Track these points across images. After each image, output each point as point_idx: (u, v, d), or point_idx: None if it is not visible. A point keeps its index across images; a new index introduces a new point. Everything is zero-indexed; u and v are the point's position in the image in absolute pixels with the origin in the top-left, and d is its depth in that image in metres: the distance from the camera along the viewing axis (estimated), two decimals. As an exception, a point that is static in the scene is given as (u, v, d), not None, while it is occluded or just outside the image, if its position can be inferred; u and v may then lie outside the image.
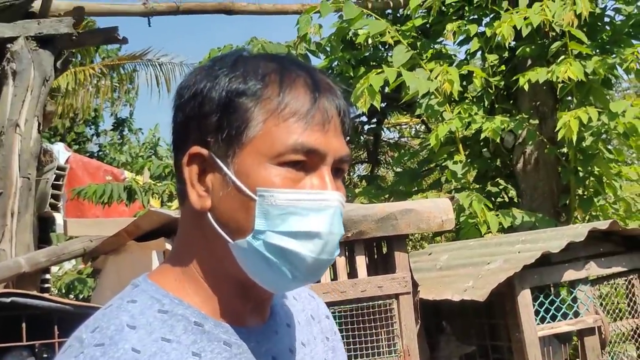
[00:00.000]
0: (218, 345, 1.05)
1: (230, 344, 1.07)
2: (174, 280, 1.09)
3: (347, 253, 4.29)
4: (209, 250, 1.09)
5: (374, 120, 8.99)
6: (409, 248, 8.34)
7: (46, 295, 3.74)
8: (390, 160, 10.16)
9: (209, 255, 1.09)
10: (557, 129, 5.84)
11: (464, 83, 7.17)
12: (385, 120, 9.84)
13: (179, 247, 1.14)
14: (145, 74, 16.40)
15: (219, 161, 1.06)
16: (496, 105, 6.93)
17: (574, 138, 5.68)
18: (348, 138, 1.15)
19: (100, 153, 21.47)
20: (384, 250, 4.46)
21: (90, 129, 22.67)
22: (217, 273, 1.09)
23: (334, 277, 4.22)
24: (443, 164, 6.88)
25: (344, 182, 1.16)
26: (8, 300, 3.30)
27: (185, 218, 1.14)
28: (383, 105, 8.95)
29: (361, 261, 4.26)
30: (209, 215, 1.07)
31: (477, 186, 6.86)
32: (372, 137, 9.28)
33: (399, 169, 9.59)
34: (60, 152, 10.54)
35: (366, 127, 9.06)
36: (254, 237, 1.03)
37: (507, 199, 7.33)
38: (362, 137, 9.17)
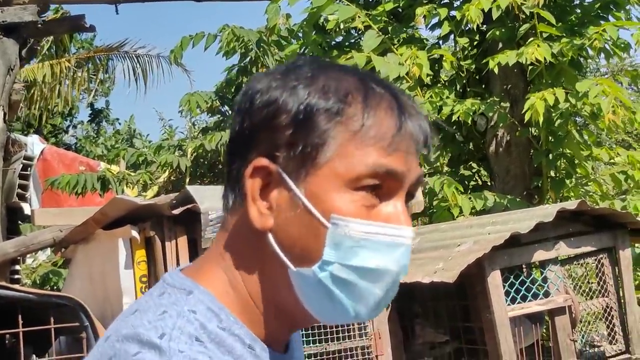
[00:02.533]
0: None
1: None
2: (225, 294, 1.01)
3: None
4: (264, 274, 1.01)
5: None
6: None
7: (15, 286, 3.72)
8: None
9: (262, 278, 1.01)
10: (523, 110, 5.85)
11: (436, 67, 7.18)
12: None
13: (231, 258, 1.04)
14: (122, 65, 16.30)
15: (288, 179, 0.97)
16: (468, 89, 6.95)
17: (541, 119, 5.71)
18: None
19: (77, 145, 21.32)
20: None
21: (66, 120, 22.49)
22: (269, 298, 1.02)
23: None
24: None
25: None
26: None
27: (238, 231, 1.04)
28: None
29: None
30: (270, 236, 0.99)
31: (450, 170, 6.88)
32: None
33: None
34: (35, 144, 10.43)
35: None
36: (320, 267, 0.95)
37: (480, 183, 7.36)
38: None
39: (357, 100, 0.98)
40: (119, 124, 22.77)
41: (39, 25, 5.19)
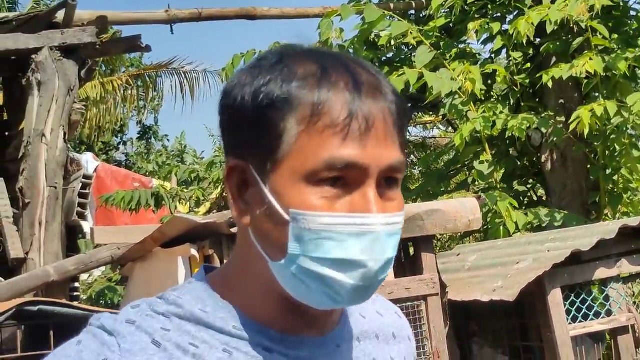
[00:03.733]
0: (256, 349, 1.01)
1: (272, 351, 1.02)
2: (224, 283, 1.07)
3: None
4: (255, 266, 1.04)
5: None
6: (437, 249, 8.28)
7: (74, 303, 3.76)
8: (416, 161, 10.11)
9: (256, 269, 1.04)
10: (570, 121, 5.77)
11: (490, 82, 7.13)
12: (410, 120, 9.79)
13: (235, 254, 1.11)
14: (170, 82, 16.55)
15: (256, 176, 1.00)
16: (522, 104, 6.87)
17: (586, 131, 5.62)
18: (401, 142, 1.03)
19: (127, 162, 21.65)
20: (411, 252, 4.43)
21: (117, 137, 22.87)
22: (264, 287, 1.04)
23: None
24: (470, 165, 6.83)
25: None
26: (35, 308, 3.32)
27: (238, 230, 1.11)
28: (409, 105, 8.94)
29: (388, 263, 4.22)
30: (250, 231, 1.03)
31: (504, 186, 6.80)
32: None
33: (426, 170, 9.53)
34: (89, 161, 10.64)
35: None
36: (288, 261, 0.97)
37: (535, 198, 7.26)
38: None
39: (309, 88, 0.97)
40: (168, 140, 23.06)
41: (98, 47, 5.29)
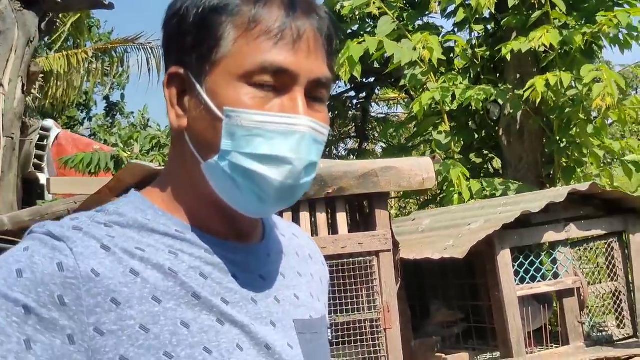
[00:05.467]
0: (198, 251, 1.06)
1: (212, 253, 1.07)
2: (159, 199, 1.10)
3: (328, 210, 4.31)
4: (188, 171, 1.09)
5: (362, 94, 9.02)
6: (392, 213, 8.38)
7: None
8: (378, 135, 10.17)
9: (188, 176, 1.09)
10: (524, 89, 5.87)
11: (451, 56, 7.20)
12: (374, 95, 9.86)
13: (166, 169, 1.15)
14: (136, 57, 16.40)
15: (193, 80, 1.05)
16: (482, 77, 6.96)
17: (538, 99, 5.73)
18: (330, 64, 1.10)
19: (92, 137, 21.39)
20: (366, 210, 4.49)
21: (82, 112, 22.58)
22: (197, 193, 1.09)
23: (315, 233, 4.25)
24: (430, 138, 6.91)
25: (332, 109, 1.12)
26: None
27: (171, 143, 1.15)
28: (372, 79, 9.01)
29: (342, 218, 4.28)
30: (186, 135, 1.07)
31: (461, 157, 6.90)
32: (360, 112, 9.30)
33: (386, 144, 9.61)
34: (51, 128, 10.52)
35: (354, 101, 9.09)
36: (220, 157, 1.03)
37: (492, 171, 7.37)
38: (350, 112, 9.19)
39: None
40: (134, 117, 22.84)
41: (59, 0, 5.24)
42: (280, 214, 4.21)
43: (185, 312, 1.01)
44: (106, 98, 21.72)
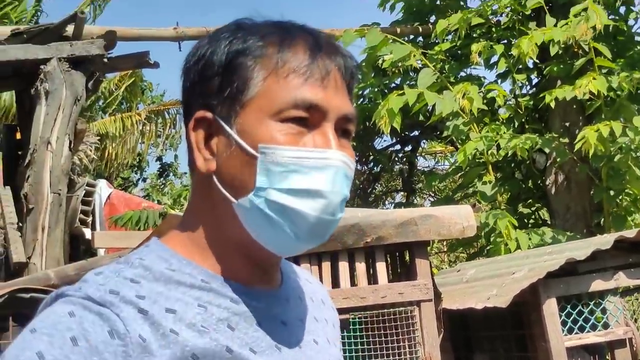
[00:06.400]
0: (224, 301, 1.06)
1: (238, 302, 1.07)
2: (181, 246, 1.10)
3: (367, 259, 4.28)
4: (216, 215, 1.09)
5: (408, 148, 9.02)
6: (443, 267, 8.26)
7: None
8: (422, 186, 10.13)
9: (215, 220, 1.09)
10: (576, 141, 5.79)
11: (495, 106, 7.19)
12: (420, 148, 9.85)
13: (187, 215, 1.15)
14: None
15: (222, 122, 1.07)
16: (526, 127, 6.91)
17: (591, 151, 5.64)
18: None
19: (145, 197, 21.69)
20: (407, 259, 4.45)
21: (136, 174, 22.98)
22: (223, 237, 1.10)
23: (354, 283, 4.22)
24: (475, 190, 6.86)
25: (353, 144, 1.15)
26: (27, 295, 3.36)
27: (194, 187, 1.15)
28: (417, 132, 9.02)
29: (382, 267, 4.24)
30: (214, 178, 1.08)
31: (508, 207, 6.81)
32: (406, 166, 9.28)
33: (433, 198, 9.56)
34: (103, 188, 10.72)
35: (400, 155, 9.09)
36: (255, 195, 1.03)
37: (540, 221, 7.25)
38: (396, 166, 9.18)
39: (274, 41, 1.08)
40: (186, 177, 23.13)
41: (105, 60, 5.41)
42: (319, 263, 4.18)
43: None
44: (159, 159, 22.10)
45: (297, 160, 1.03)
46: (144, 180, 23.08)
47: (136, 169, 22.69)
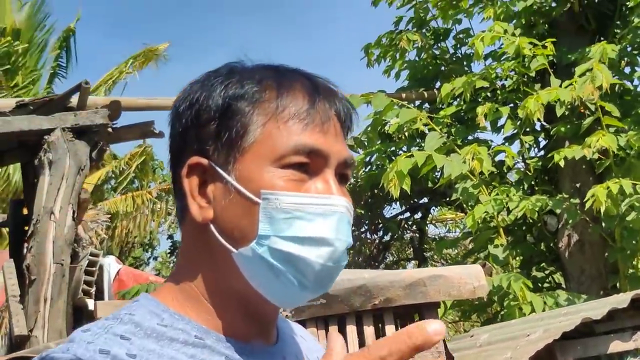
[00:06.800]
0: (219, 359, 1.00)
1: (233, 359, 1.01)
2: (173, 300, 1.04)
3: (376, 323, 4.17)
4: (212, 266, 1.03)
5: (418, 215, 8.95)
6: (452, 333, 8.07)
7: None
8: (433, 253, 10.02)
9: (211, 271, 1.04)
10: (585, 199, 5.71)
11: (504, 170, 7.14)
12: (430, 216, 9.77)
13: (180, 266, 1.09)
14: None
15: (219, 169, 1.02)
16: (536, 189, 6.84)
17: (602, 208, 5.55)
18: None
19: (157, 275, 21.67)
20: (416, 320, 4.32)
21: (147, 252, 23.00)
22: (219, 290, 1.04)
23: (362, 347, 4.09)
24: (486, 253, 6.75)
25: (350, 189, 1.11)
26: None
27: (186, 236, 1.09)
28: (426, 199, 8.96)
29: (390, 330, 4.13)
30: (212, 226, 1.02)
31: (520, 271, 6.69)
32: (417, 234, 9.20)
33: (446, 265, 9.43)
34: (111, 264, 10.67)
35: (409, 222, 9.02)
36: (258, 243, 0.99)
37: (554, 284, 7.10)
38: (406, 234, 9.10)
39: (271, 85, 1.04)
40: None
41: (110, 130, 5.42)
42: (326, 327, 4.05)
43: None
44: (170, 237, 22.12)
45: (301, 207, 0.99)
46: (155, 258, 23.08)
47: (147, 247, 22.72)
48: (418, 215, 9.03)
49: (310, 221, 0.98)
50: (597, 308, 4.53)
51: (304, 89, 1.05)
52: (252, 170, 1.00)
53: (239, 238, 1.00)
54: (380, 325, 4.20)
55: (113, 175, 17.86)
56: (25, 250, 5.28)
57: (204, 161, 1.03)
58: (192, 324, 1.01)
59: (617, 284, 6.56)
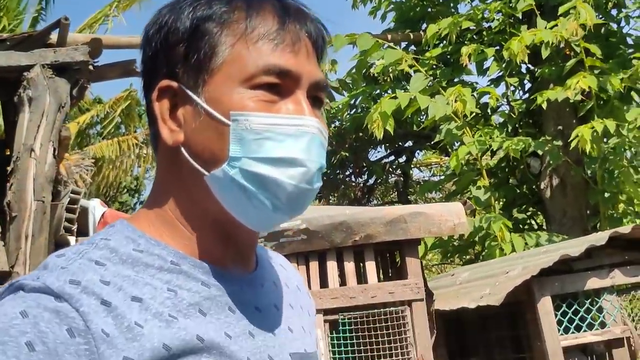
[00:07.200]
0: (196, 285, 0.98)
1: (209, 285, 1.00)
2: (149, 225, 1.02)
3: (356, 258, 4.19)
4: (185, 190, 1.02)
5: (402, 159, 8.95)
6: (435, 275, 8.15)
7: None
8: (419, 199, 10.04)
9: (184, 195, 1.03)
10: (570, 139, 5.71)
11: (488, 111, 7.13)
12: (415, 160, 9.77)
13: (155, 192, 1.07)
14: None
15: (188, 91, 1.00)
16: (520, 130, 6.84)
17: (588, 147, 5.56)
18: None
19: (144, 222, 21.70)
20: (396, 257, 4.36)
21: (134, 197, 22.97)
22: (194, 214, 1.02)
23: (343, 283, 4.12)
24: (469, 195, 6.78)
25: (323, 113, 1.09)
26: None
27: (160, 162, 1.08)
28: (410, 143, 8.95)
29: (371, 266, 4.15)
30: (183, 150, 1.01)
31: (502, 213, 6.72)
32: (401, 177, 9.20)
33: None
34: (96, 207, 10.62)
35: (394, 166, 9.02)
36: (229, 165, 0.97)
37: (536, 227, 7.15)
38: (390, 177, 9.10)
39: (240, 6, 1.02)
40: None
41: (91, 68, 5.33)
42: (307, 263, 4.06)
43: (189, 356, 0.93)
44: (157, 182, 22.10)
45: (271, 127, 0.97)
46: (142, 203, 23.06)
47: (134, 192, 22.69)
48: (402, 159, 9.03)
49: (280, 142, 0.97)
50: (575, 246, 4.58)
51: (274, 9, 1.03)
52: (222, 91, 0.99)
53: (210, 160, 0.99)
54: (360, 261, 4.23)
55: (98, 120, 17.73)
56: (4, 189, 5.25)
57: (174, 84, 1.02)
58: (169, 250, 1.00)
59: (598, 225, 6.61)
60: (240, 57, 0.99)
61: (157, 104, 1.03)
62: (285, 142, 0.97)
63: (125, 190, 21.46)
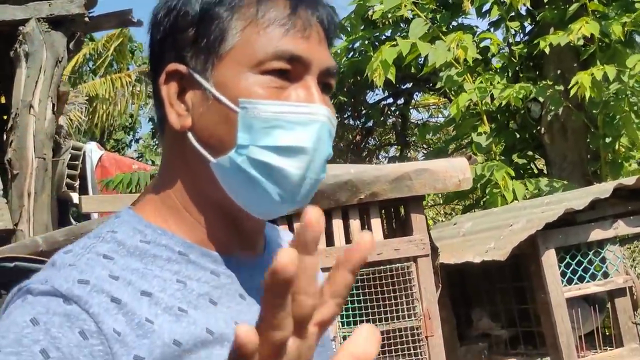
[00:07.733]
0: (205, 274, 0.98)
1: (218, 274, 1.00)
2: (155, 212, 1.01)
3: (361, 216, 4.19)
4: (191, 175, 1.02)
5: (401, 101, 8.90)
6: (439, 219, 8.21)
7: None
8: (416, 138, 10.03)
9: (190, 181, 1.02)
10: (570, 86, 5.67)
11: (488, 55, 7.05)
12: (413, 101, 9.72)
13: (161, 176, 1.06)
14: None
15: (197, 76, 0.99)
16: (520, 75, 6.79)
17: (587, 94, 5.52)
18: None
19: (139, 159, 21.66)
20: (402, 214, 4.36)
21: (129, 135, 22.91)
22: (199, 200, 1.02)
23: (349, 241, 4.14)
24: (470, 142, 6.76)
25: (332, 99, 1.08)
26: (11, 264, 3.27)
27: (166, 146, 1.06)
28: (409, 85, 8.89)
29: (376, 224, 4.15)
30: (190, 135, 1.00)
31: (503, 158, 6.72)
32: (399, 119, 9.17)
33: (427, 150, 9.46)
34: (93, 150, 10.62)
35: (392, 108, 8.98)
36: (236, 152, 0.96)
37: (536, 171, 7.17)
38: (389, 119, 9.07)
39: None
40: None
41: (87, 19, 5.25)
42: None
43: (200, 350, 0.93)
44: (152, 119, 22.02)
45: (280, 115, 0.96)
46: (137, 141, 23.02)
47: (129, 130, 22.62)
48: (401, 101, 8.98)
49: (290, 130, 0.96)
50: (579, 198, 4.59)
51: None
52: (231, 76, 0.98)
53: (217, 147, 0.98)
54: (365, 218, 4.23)
55: (91, 58, 17.55)
56: (2, 142, 5.22)
57: (182, 68, 1.01)
58: (176, 239, 0.99)
59: (598, 170, 6.63)
60: (250, 42, 0.98)
61: (165, 87, 1.02)
62: (294, 130, 0.97)
63: (120, 128, 21.38)
